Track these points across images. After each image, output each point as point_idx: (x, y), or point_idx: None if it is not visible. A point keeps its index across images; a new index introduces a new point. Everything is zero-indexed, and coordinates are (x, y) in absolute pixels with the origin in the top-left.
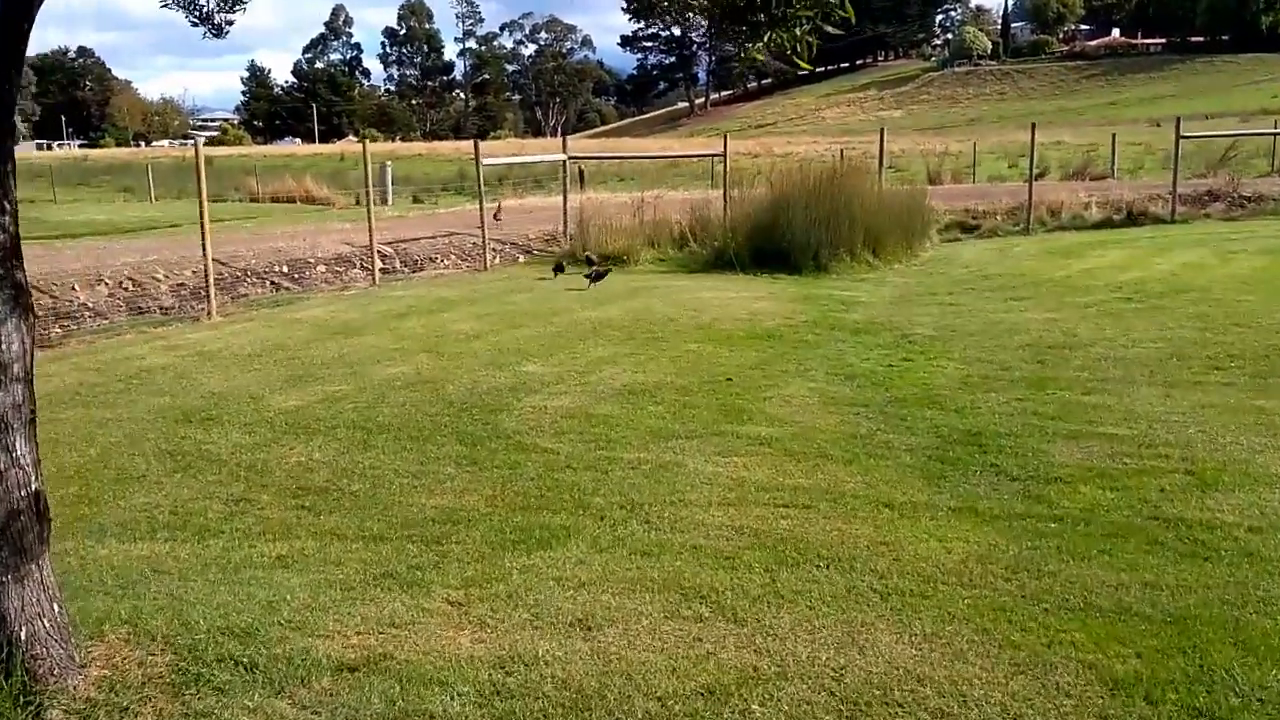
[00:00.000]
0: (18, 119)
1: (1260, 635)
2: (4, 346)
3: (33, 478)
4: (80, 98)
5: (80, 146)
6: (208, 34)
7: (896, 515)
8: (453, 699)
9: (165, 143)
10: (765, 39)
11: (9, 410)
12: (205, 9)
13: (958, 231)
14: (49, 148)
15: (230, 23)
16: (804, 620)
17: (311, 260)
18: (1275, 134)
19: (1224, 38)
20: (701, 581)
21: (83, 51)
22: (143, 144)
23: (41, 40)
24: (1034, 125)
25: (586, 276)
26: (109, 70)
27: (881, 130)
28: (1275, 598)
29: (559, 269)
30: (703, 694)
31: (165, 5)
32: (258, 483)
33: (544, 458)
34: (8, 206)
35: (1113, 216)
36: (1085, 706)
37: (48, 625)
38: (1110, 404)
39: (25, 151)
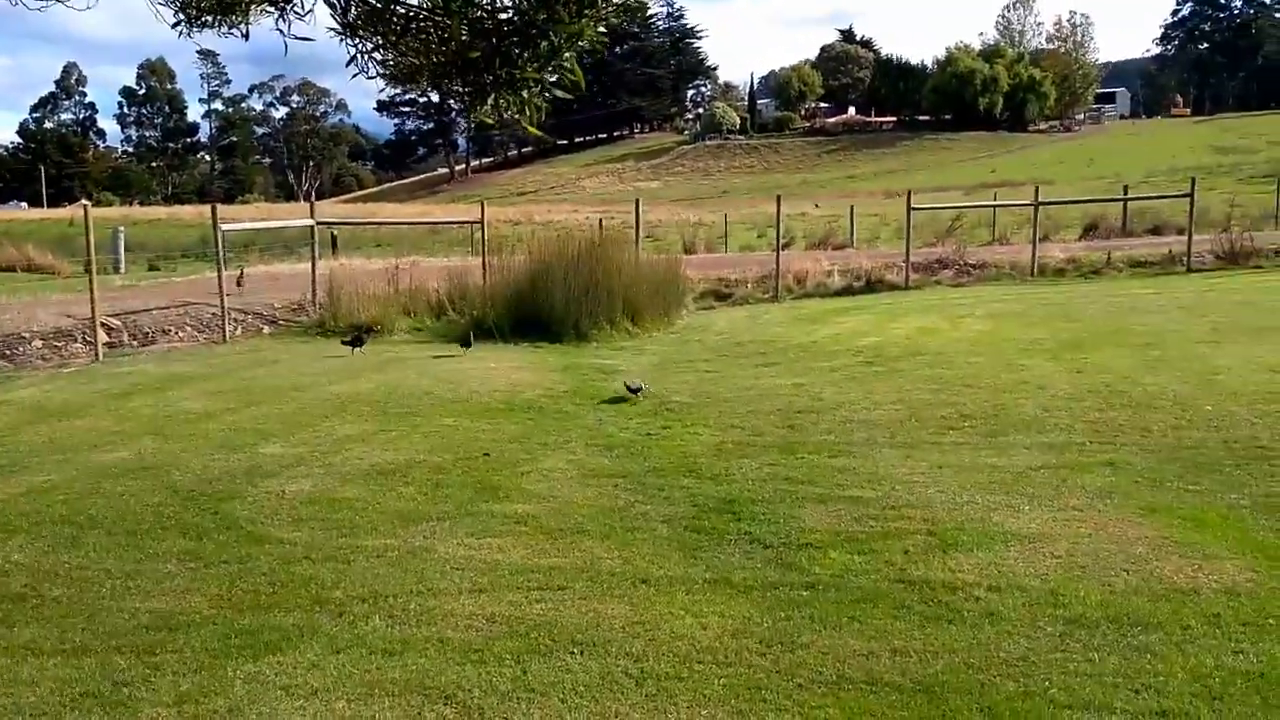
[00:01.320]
0: None
1: (1004, 699)
2: None
3: None
4: None
5: None
6: None
7: (653, 591)
8: None
9: None
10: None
11: None
12: None
13: (712, 300)
14: None
15: None
16: (554, 717)
17: (26, 335)
18: (994, 206)
19: (946, 117)
20: (447, 680)
21: None
22: None
23: None
24: (779, 198)
25: (345, 343)
26: None
27: (637, 201)
28: (1016, 658)
29: (357, 342)
30: None
31: None
32: None
33: (279, 549)
34: None
35: (853, 284)
36: None
37: None
38: (855, 466)
39: None
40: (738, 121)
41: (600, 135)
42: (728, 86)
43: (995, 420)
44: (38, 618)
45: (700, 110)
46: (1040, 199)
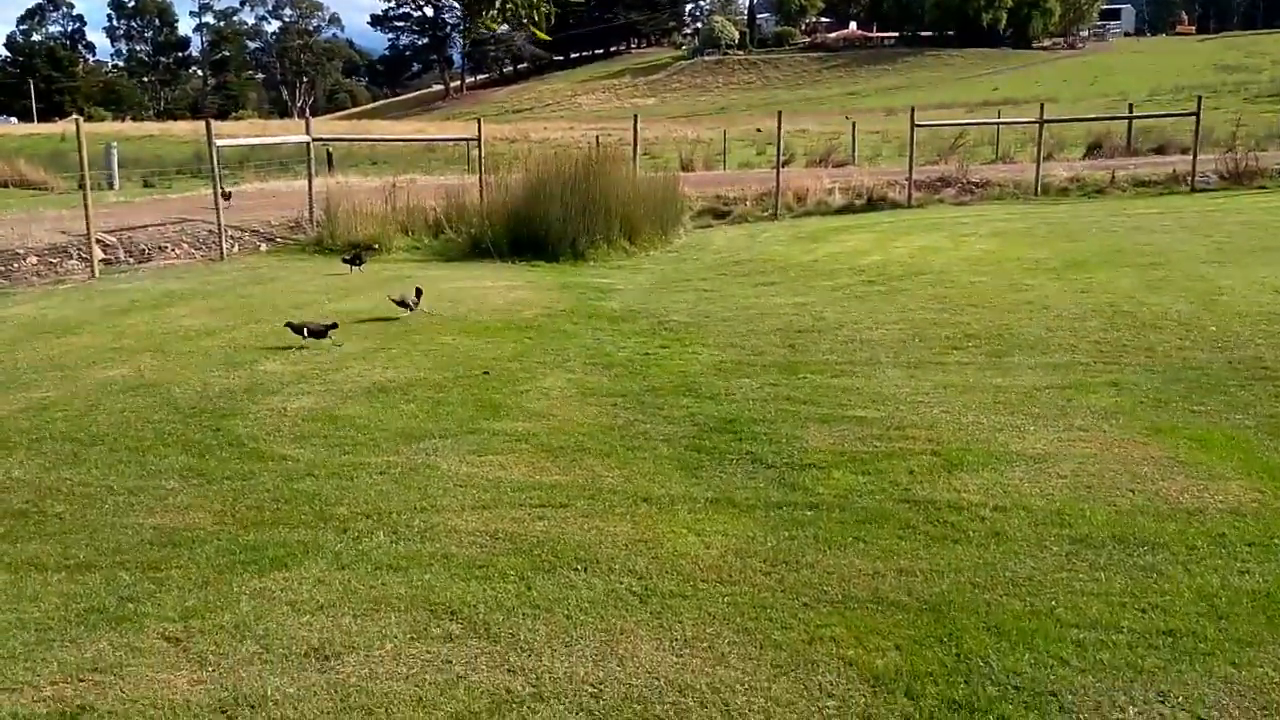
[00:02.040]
0: None
1: (1011, 618)
2: None
3: None
4: None
5: None
6: None
7: (654, 510)
8: None
9: None
10: (500, 5)
11: None
12: None
13: (710, 218)
14: None
15: None
16: (560, 632)
17: (21, 251)
18: (998, 124)
19: (949, 33)
20: (452, 595)
21: None
22: None
23: None
24: (780, 113)
25: (345, 260)
26: None
27: (635, 118)
28: (1022, 578)
29: (357, 260)
30: None
31: None
32: None
33: (282, 466)
34: None
35: (854, 202)
36: (848, 707)
37: None
38: (859, 386)
39: None
40: (737, 36)
41: (597, 51)
42: (727, 1)
43: (999, 340)
44: (40, 534)
45: (699, 25)
46: (1044, 117)
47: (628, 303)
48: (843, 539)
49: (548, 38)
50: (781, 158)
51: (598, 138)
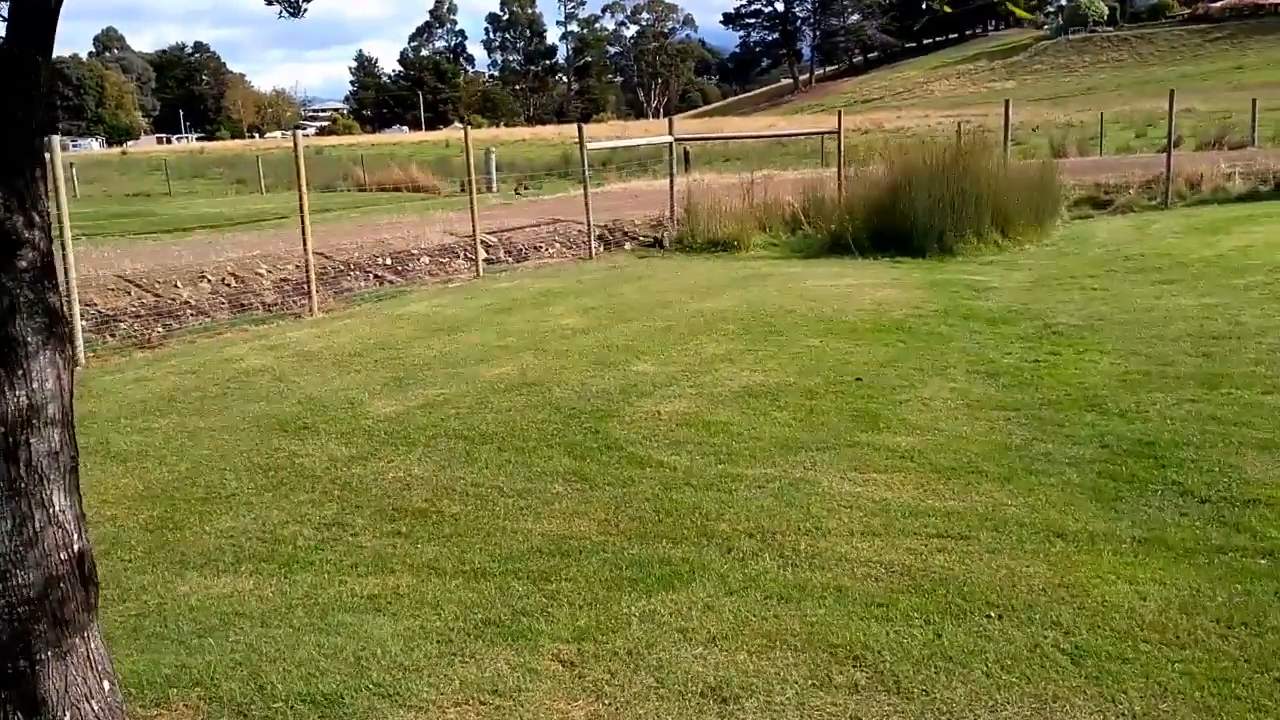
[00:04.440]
0: (138, 114)
1: None
2: (36, 385)
3: (74, 536)
4: (197, 92)
5: (197, 140)
6: (284, 13)
7: (1072, 548)
8: None
9: (278, 134)
10: None
11: (44, 459)
12: None
13: (1088, 207)
14: (167, 141)
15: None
16: (982, 693)
17: (415, 252)
18: None
19: None
20: (852, 637)
21: (199, 47)
22: (256, 135)
23: (159, 38)
24: (1172, 92)
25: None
26: (224, 64)
27: (1006, 102)
28: None
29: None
30: None
31: None
32: (352, 503)
33: (660, 473)
34: (37, 220)
35: (1259, 187)
36: None
37: (96, 708)
38: None
39: (146, 146)
40: (1105, 12)
41: (950, 35)
42: None
43: None
44: (438, 535)
45: (1062, 3)
46: None
47: (1006, 302)
48: None
49: (1029, 15)
50: (1170, 140)
51: (959, 125)
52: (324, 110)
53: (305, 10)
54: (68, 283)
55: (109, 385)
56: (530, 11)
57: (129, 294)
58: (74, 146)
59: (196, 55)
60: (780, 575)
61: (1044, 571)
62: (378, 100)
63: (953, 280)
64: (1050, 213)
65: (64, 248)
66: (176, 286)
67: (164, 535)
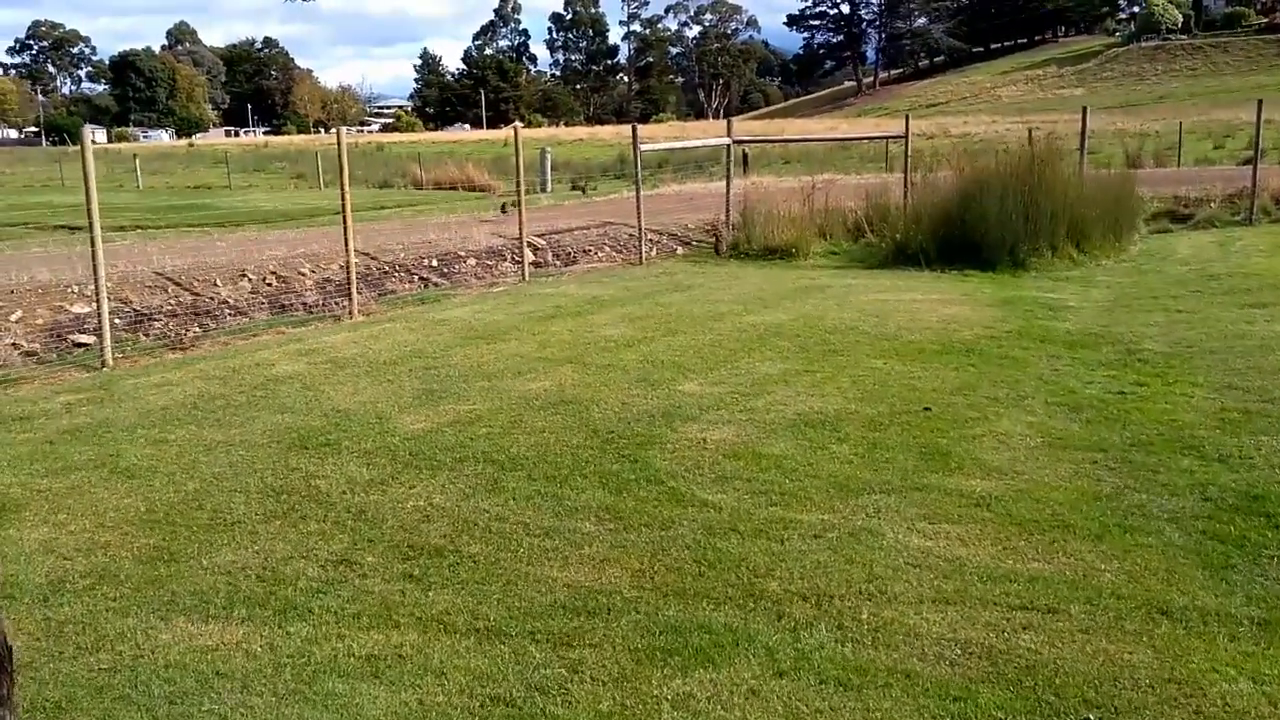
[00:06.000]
0: (208, 107)
1: None
2: None
3: None
4: (265, 87)
5: (264, 134)
6: None
7: (1180, 630)
8: None
9: (344, 129)
10: None
11: None
12: None
13: (1166, 221)
14: (235, 134)
15: None
16: None
17: (462, 254)
18: None
19: None
20: None
21: (268, 43)
22: (322, 130)
23: (230, 33)
24: (1260, 102)
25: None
26: (292, 60)
27: (1084, 109)
28: None
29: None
30: None
31: None
32: (364, 536)
33: (703, 515)
34: None
35: None
36: None
37: None
38: None
39: (214, 139)
40: (1180, 20)
41: (1019, 41)
42: None
43: None
44: (453, 580)
45: (1135, 9)
46: None
47: (1085, 324)
48: None
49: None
50: (1255, 151)
51: (1030, 131)
52: (388, 107)
53: None
54: (96, 281)
55: (132, 389)
56: (594, 11)
57: (166, 291)
58: (144, 137)
59: (265, 50)
60: (839, 653)
61: (1149, 660)
62: (441, 98)
63: (1026, 297)
64: (1128, 226)
65: (93, 244)
66: (216, 285)
67: (157, 569)
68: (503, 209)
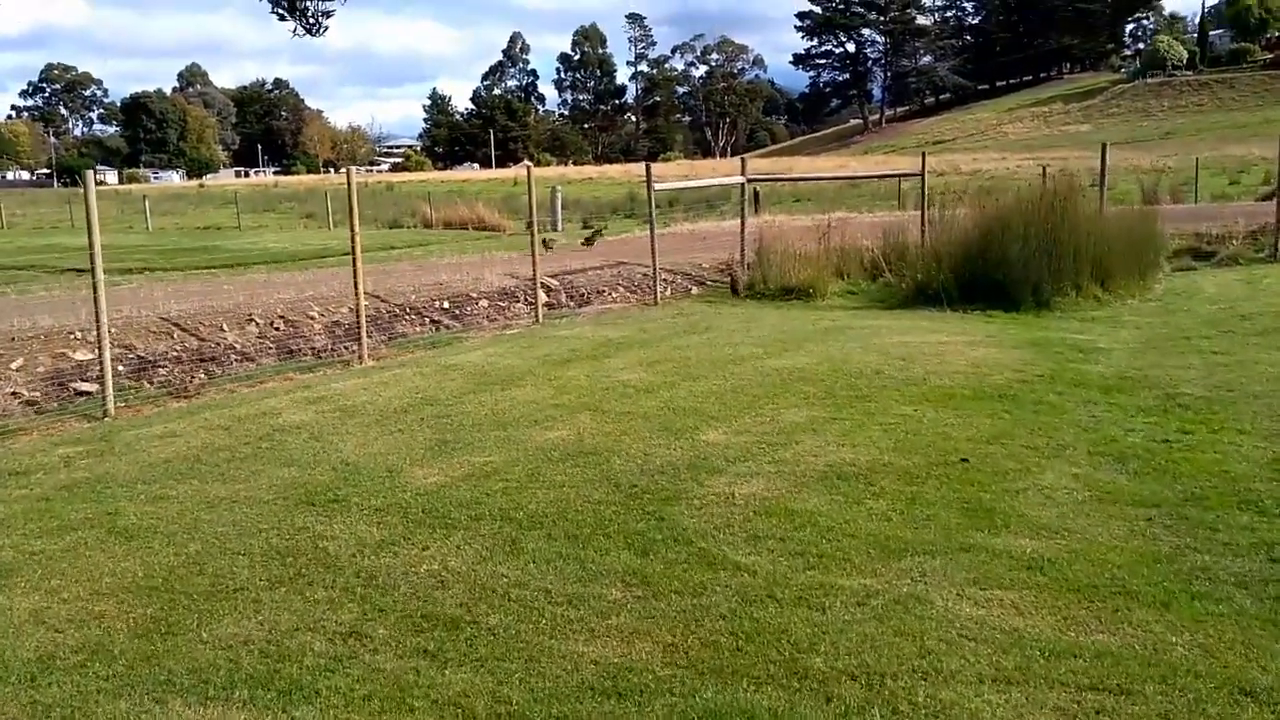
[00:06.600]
0: (218, 148)
1: None
2: None
3: None
4: (275, 127)
5: (274, 174)
6: (298, 31)
7: (1269, 715)
8: None
9: (354, 169)
10: None
11: None
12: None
13: (1189, 259)
14: (245, 175)
15: (328, 15)
16: None
17: (474, 295)
18: None
19: None
20: None
21: (278, 83)
22: (331, 170)
23: (240, 73)
24: None
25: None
26: (302, 101)
27: (1104, 146)
28: None
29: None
30: None
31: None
32: (375, 605)
33: (737, 580)
34: None
35: None
36: None
37: None
38: None
39: (224, 179)
40: (1185, 56)
41: (1024, 78)
42: (1173, 18)
43: None
44: (471, 656)
45: (1140, 46)
46: None
47: (1119, 367)
48: None
49: None
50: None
51: (1044, 169)
52: (398, 147)
53: (325, 29)
54: (99, 328)
55: (133, 441)
56: (601, 52)
57: (171, 336)
58: (155, 178)
59: (275, 91)
60: None
61: None
62: (450, 137)
63: (1054, 339)
64: (1151, 264)
65: (95, 288)
66: (222, 329)
67: (153, 643)
68: (544, 244)
